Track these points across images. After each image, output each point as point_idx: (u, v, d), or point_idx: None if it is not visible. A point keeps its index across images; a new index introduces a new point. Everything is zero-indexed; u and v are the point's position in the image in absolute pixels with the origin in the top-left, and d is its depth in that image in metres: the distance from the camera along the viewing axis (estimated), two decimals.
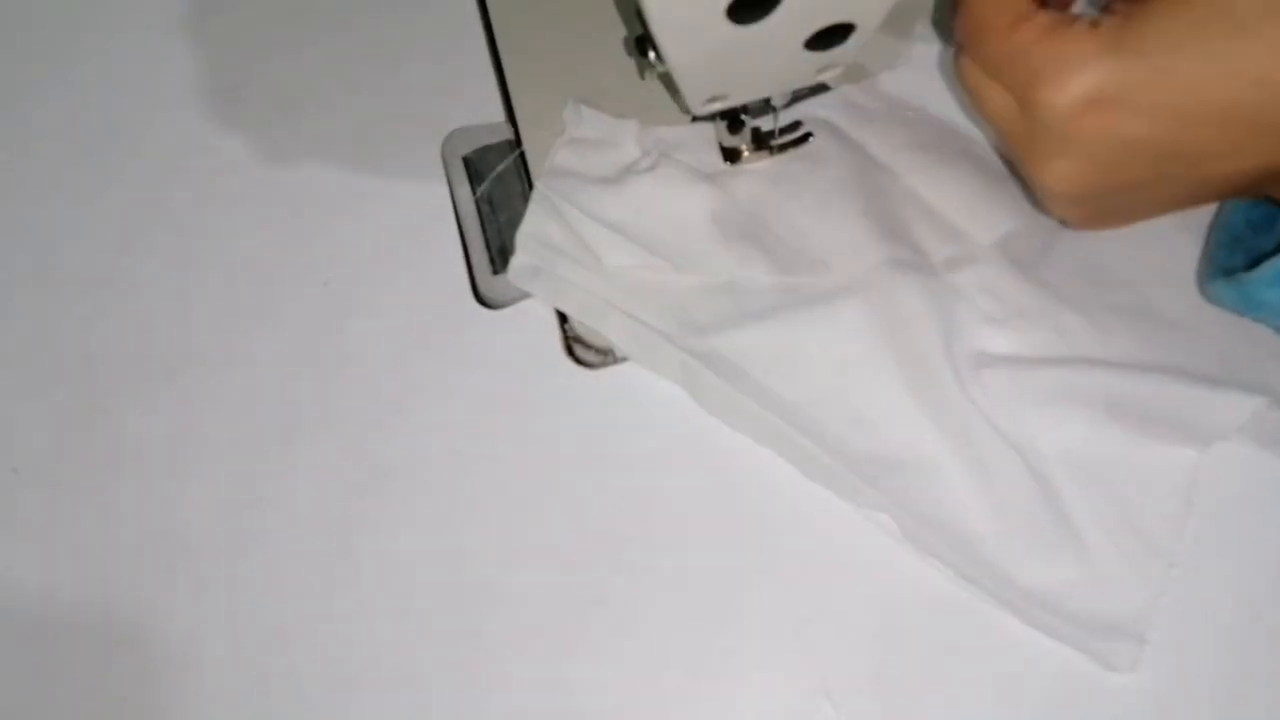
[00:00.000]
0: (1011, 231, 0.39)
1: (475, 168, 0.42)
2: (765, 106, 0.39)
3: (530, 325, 0.39)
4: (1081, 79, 0.30)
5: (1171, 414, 0.36)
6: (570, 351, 0.39)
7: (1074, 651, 0.34)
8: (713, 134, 0.41)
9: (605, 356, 0.39)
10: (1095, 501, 0.35)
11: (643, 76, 0.36)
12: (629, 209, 0.39)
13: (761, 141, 0.40)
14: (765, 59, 0.34)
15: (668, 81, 0.37)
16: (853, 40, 0.34)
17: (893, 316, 0.37)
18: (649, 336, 0.38)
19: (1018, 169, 0.38)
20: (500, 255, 0.40)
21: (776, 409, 0.36)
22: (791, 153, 0.40)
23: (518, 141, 0.42)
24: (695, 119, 0.41)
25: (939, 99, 0.42)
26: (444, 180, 0.42)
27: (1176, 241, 0.39)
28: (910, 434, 0.36)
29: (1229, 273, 0.35)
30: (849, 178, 0.40)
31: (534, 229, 0.39)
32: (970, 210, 0.40)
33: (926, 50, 0.43)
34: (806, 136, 0.41)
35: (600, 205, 0.39)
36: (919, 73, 0.43)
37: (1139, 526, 0.35)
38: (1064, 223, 0.38)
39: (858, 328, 0.37)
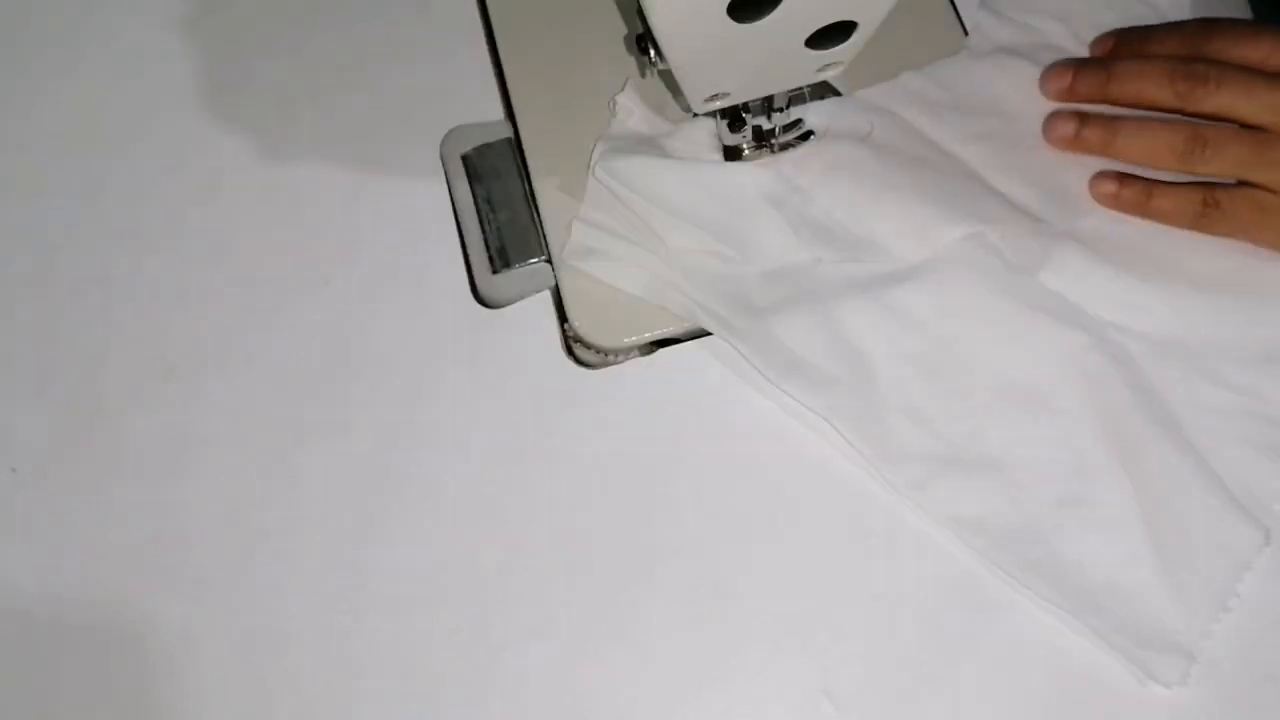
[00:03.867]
0: (1088, 219, 0.39)
1: (475, 167, 0.42)
2: (766, 105, 0.39)
3: (530, 325, 0.39)
4: None
5: (1254, 448, 0.35)
6: (570, 352, 0.39)
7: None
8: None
9: (605, 356, 0.39)
10: (1159, 517, 0.34)
11: (644, 75, 0.36)
12: (689, 193, 0.39)
13: (763, 139, 0.40)
14: (766, 57, 0.34)
15: (668, 79, 0.36)
16: (854, 38, 0.34)
17: (959, 305, 0.37)
18: (708, 319, 0.37)
19: None
20: (500, 255, 0.40)
21: (831, 394, 0.36)
22: (851, 139, 0.40)
23: (518, 141, 0.42)
24: (696, 117, 0.41)
25: (997, 85, 0.41)
26: (443, 180, 0.42)
27: None
28: (970, 430, 0.36)
29: None
30: (910, 163, 0.39)
31: (591, 213, 0.39)
32: (1042, 195, 0.39)
33: (982, 38, 0.43)
34: (808, 135, 0.41)
35: (661, 189, 0.39)
36: (979, 60, 0.42)
37: (1217, 542, 0.34)
38: None
39: (923, 319, 0.37)
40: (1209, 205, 0.36)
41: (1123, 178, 0.38)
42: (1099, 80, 0.38)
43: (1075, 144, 0.38)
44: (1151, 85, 0.37)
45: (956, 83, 0.42)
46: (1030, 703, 0.34)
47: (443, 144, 0.42)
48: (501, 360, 0.38)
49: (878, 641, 0.34)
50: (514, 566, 0.36)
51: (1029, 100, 0.41)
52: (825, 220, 0.39)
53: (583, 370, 0.38)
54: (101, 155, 0.43)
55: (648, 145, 0.40)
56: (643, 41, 0.34)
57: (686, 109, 0.40)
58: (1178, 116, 0.37)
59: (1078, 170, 0.39)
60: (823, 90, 0.42)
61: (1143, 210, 0.37)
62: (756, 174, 0.39)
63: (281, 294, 0.40)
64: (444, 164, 0.42)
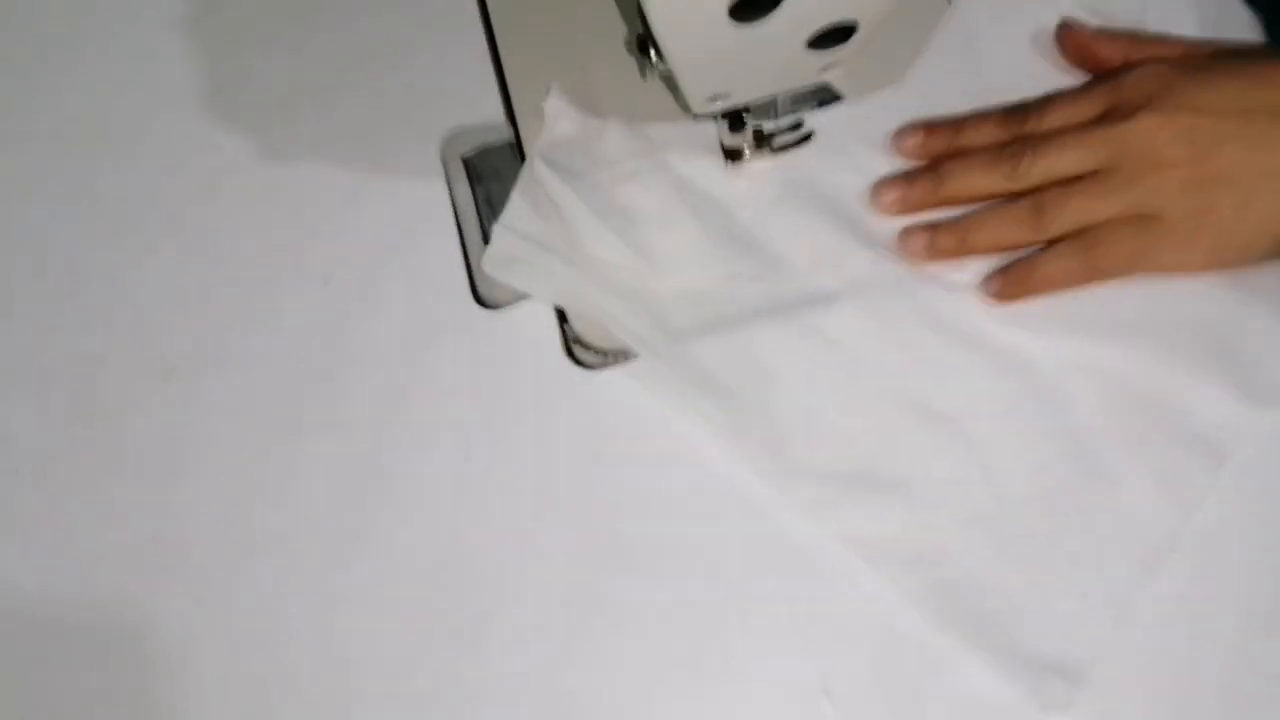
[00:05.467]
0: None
1: (475, 168, 0.42)
2: (767, 106, 0.39)
3: (530, 325, 0.39)
4: None
5: (1162, 470, 0.35)
6: (570, 352, 0.39)
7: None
8: (703, 133, 0.41)
9: (605, 357, 0.39)
10: (1067, 537, 0.34)
11: (644, 76, 0.36)
12: (612, 205, 0.39)
13: (763, 141, 0.40)
14: (767, 58, 0.34)
15: (669, 81, 0.36)
16: (855, 40, 0.34)
17: (870, 327, 0.37)
18: (624, 334, 0.38)
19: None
20: None
21: (742, 414, 0.36)
22: (780, 157, 0.40)
23: (518, 141, 0.42)
24: (697, 118, 0.41)
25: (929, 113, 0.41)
26: (443, 180, 0.42)
27: None
28: (877, 450, 0.36)
29: None
30: (837, 186, 0.40)
31: (513, 220, 0.39)
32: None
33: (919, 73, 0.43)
34: (808, 136, 0.41)
35: (586, 198, 0.39)
36: (912, 92, 0.41)
37: (1105, 573, 0.34)
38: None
39: (835, 339, 0.37)
40: (1091, 247, 0.36)
41: (1001, 270, 0.37)
42: (931, 188, 0.39)
43: (932, 253, 0.38)
44: (980, 176, 0.38)
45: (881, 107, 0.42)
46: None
47: (443, 145, 0.42)
48: (501, 361, 0.38)
49: (879, 641, 0.34)
50: (513, 566, 0.36)
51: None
52: (747, 238, 0.39)
53: (582, 371, 0.38)
54: (101, 155, 0.43)
55: (581, 150, 0.40)
56: (643, 43, 0.34)
57: (686, 109, 0.40)
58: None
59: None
60: (823, 91, 0.42)
61: (1031, 285, 0.37)
62: (683, 189, 0.39)
63: (281, 294, 0.40)
64: (444, 165, 0.42)
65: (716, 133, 0.40)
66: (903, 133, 0.40)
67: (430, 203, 0.41)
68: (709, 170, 0.40)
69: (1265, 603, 0.34)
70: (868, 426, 0.36)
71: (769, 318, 0.38)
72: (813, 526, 0.35)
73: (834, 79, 0.37)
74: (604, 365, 0.38)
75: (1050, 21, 0.42)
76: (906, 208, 0.39)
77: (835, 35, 0.33)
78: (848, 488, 0.35)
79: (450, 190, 0.41)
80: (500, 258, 0.39)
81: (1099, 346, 0.37)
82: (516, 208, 0.39)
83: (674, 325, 0.38)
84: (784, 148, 0.40)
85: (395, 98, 0.43)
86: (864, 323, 0.37)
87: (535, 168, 0.39)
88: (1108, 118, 0.37)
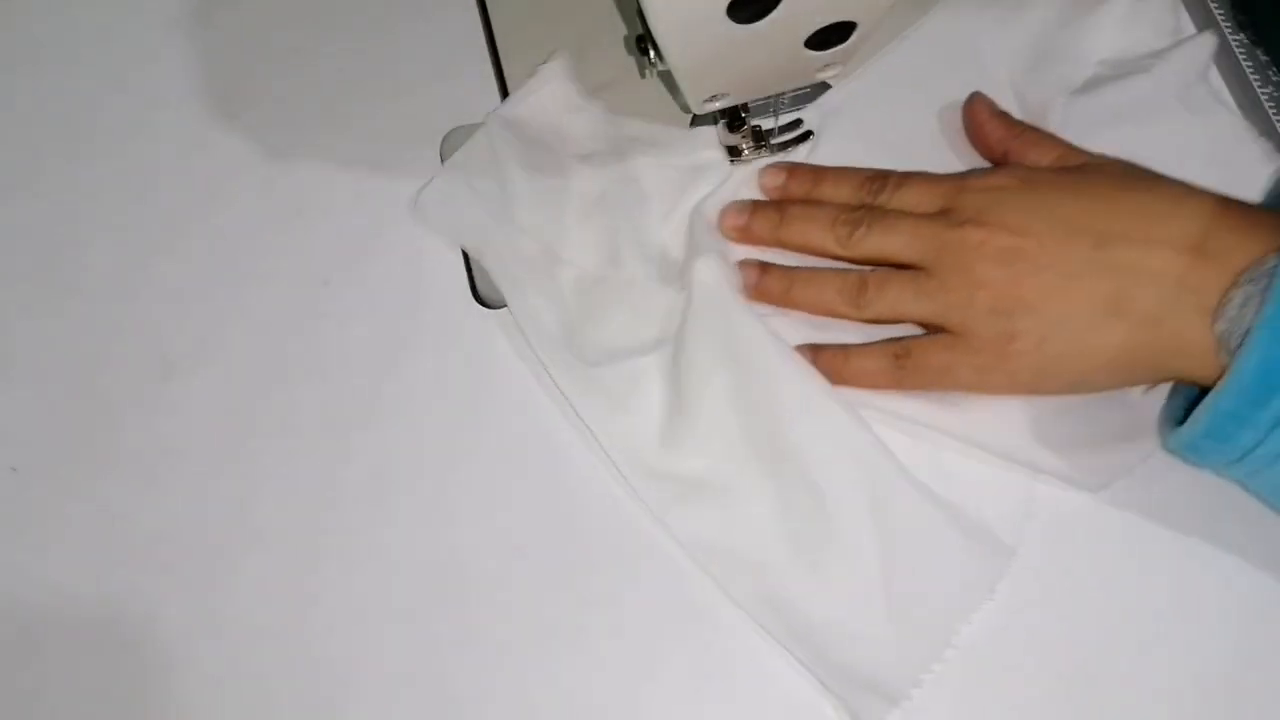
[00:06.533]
0: None
1: None
2: (766, 105, 0.39)
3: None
4: None
5: (985, 515, 0.35)
6: None
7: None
8: (687, 141, 0.41)
9: None
10: (898, 557, 0.34)
11: (643, 75, 0.36)
12: (554, 178, 0.39)
13: (761, 139, 0.40)
14: (765, 58, 0.34)
15: (668, 80, 0.37)
16: (853, 38, 0.34)
17: (716, 342, 0.36)
18: (518, 310, 0.38)
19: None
20: None
21: (592, 398, 0.37)
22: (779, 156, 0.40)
23: None
24: (695, 118, 0.41)
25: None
26: None
27: None
28: (718, 460, 0.36)
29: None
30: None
31: (463, 162, 0.40)
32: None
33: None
34: (807, 135, 0.41)
35: (532, 163, 0.39)
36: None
37: (930, 600, 0.34)
38: None
39: (690, 351, 0.36)
40: (900, 356, 0.35)
41: (816, 347, 0.37)
42: (772, 224, 0.38)
43: (757, 293, 0.38)
44: (816, 231, 0.37)
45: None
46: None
47: (443, 144, 0.42)
48: (501, 360, 0.38)
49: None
50: (516, 567, 0.36)
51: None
52: (664, 242, 0.39)
53: None
54: (101, 155, 0.43)
55: (549, 120, 0.41)
56: (642, 42, 0.34)
57: (686, 109, 0.40)
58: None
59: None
60: (822, 91, 0.42)
61: (841, 376, 0.36)
62: (630, 185, 0.40)
63: (281, 294, 0.40)
64: (443, 164, 0.42)
65: (692, 144, 0.40)
66: (769, 169, 0.40)
67: None
68: (662, 175, 0.40)
69: (1079, 651, 0.34)
70: (717, 436, 0.36)
71: (647, 322, 0.38)
72: (660, 524, 0.35)
73: (832, 78, 0.37)
74: None
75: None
76: (745, 238, 0.39)
77: (834, 35, 0.33)
78: (694, 490, 0.35)
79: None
80: (436, 196, 0.40)
81: (936, 408, 0.36)
82: (468, 152, 0.40)
83: (570, 311, 0.38)
84: (783, 146, 0.40)
85: (395, 97, 0.43)
86: (711, 339, 0.36)
87: (492, 122, 0.40)
88: (943, 216, 0.35)
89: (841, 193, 0.38)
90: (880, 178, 0.37)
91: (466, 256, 0.40)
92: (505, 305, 0.39)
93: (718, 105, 0.37)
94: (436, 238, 0.40)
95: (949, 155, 0.40)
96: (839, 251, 0.37)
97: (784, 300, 0.38)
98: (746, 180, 0.40)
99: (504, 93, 0.43)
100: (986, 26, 0.42)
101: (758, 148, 0.40)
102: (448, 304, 0.40)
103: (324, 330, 0.39)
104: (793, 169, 0.39)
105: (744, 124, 0.40)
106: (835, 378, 0.36)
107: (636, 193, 0.40)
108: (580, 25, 0.43)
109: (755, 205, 0.39)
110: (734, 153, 0.40)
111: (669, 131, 0.41)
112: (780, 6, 0.30)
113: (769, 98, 0.39)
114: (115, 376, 0.39)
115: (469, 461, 0.37)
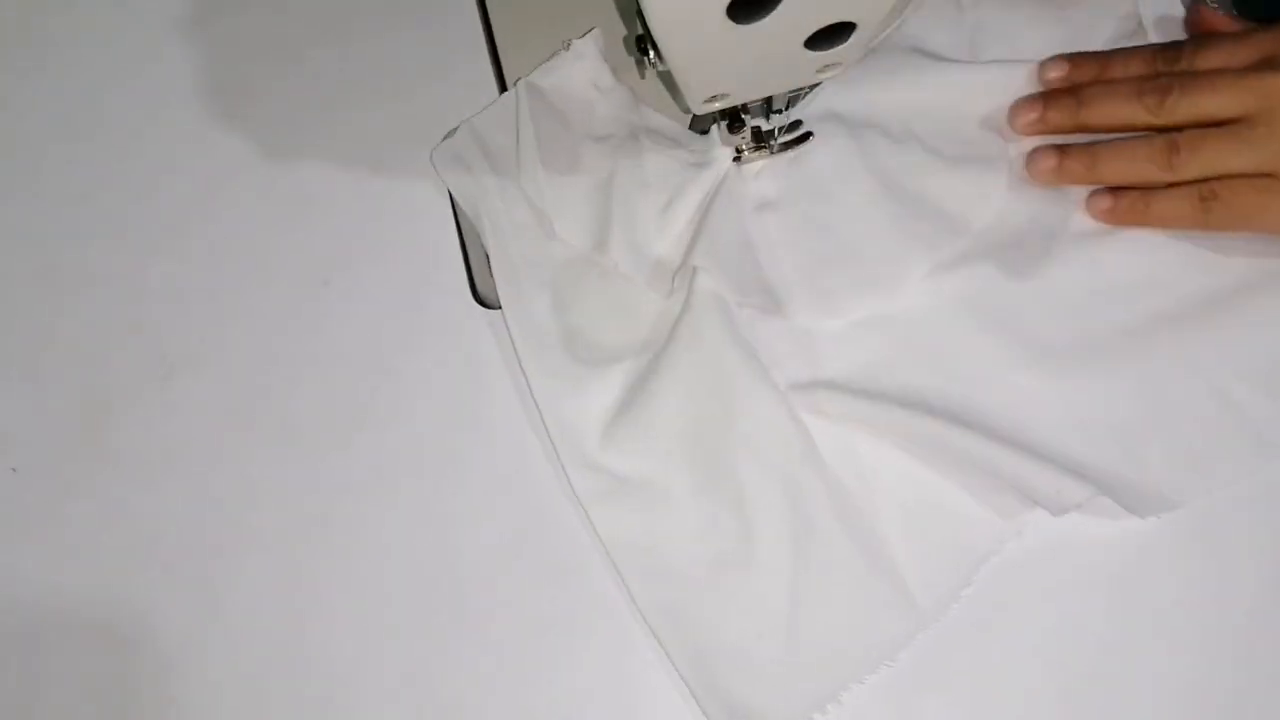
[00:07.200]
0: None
1: None
2: (765, 105, 0.39)
3: None
4: None
5: (921, 562, 0.34)
6: None
7: None
8: (698, 137, 0.41)
9: None
10: (810, 600, 0.34)
11: (643, 76, 0.36)
12: (566, 155, 0.39)
13: (762, 140, 0.40)
14: (765, 58, 0.34)
15: (668, 80, 0.36)
16: (853, 39, 0.34)
17: (709, 345, 0.36)
18: (512, 280, 0.38)
19: None
20: None
21: (556, 390, 0.37)
22: (778, 156, 0.40)
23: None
24: (695, 118, 0.41)
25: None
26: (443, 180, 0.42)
27: None
28: (651, 465, 0.35)
29: None
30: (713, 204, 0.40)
31: (482, 125, 0.40)
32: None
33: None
34: (807, 135, 0.41)
35: (548, 136, 0.39)
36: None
37: (831, 649, 0.33)
38: None
39: (668, 344, 0.36)
40: (1206, 198, 0.36)
41: (1116, 191, 0.38)
42: (1070, 109, 0.38)
43: (1059, 176, 0.38)
44: (1122, 105, 0.37)
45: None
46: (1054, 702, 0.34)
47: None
48: (501, 359, 0.38)
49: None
50: (515, 566, 0.36)
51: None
52: (649, 239, 0.39)
53: None
54: (102, 155, 0.43)
55: (575, 98, 0.41)
56: (642, 42, 0.34)
57: (686, 109, 0.40)
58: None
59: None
60: (820, 91, 0.42)
61: (1143, 218, 0.37)
62: (631, 169, 0.40)
63: (281, 294, 0.40)
64: None
65: (707, 145, 0.40)
66: (1046, 64, 0.39)
67: (430, 203, 0.41)
68: (666, 168, 0.40)
69: (1079, 651, 0.34)
70: (645, 440, 0.36)
71: (638, 324, 0.38)
72: (584, 515, 0.35)
73: (832, 79, 0.37)
74: None
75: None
76: (1044, 128, 0.39)
77: (834, 35, 0.33)
78: (626, 490, 0.35)
79: (450, 191, 0.41)
80: (451, 153, 0.40)
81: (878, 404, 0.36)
82: (490, 117, 0.41)
83: (558, 284, 0.38)
84: (784, 147, 0.40)
85: (396, 98, 0.43)
86: (697, 355, 0.36)
87: (521, 87, 0.40)
88: (1264, 65, 0.35)
89: (1133, 68, 0.38)
90: (1172, 48, 0.38)
91: (466, 256, 0.40)
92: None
93: (718, 105, 0.37)
94: (436, 238, 0.40)
95: (953, 148, 0.40)
96: (1151, 120, 0.37)
97: (1090, 177, 0.38)
98: (746, 181, 0.40)
99: (504, 93, 0.43)
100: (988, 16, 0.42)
101: (758, 148, 0.40)
102: (447, 304, 0.40)
103: (324, 330, 0.39)
104: (1075, 57, 0.39)
105: (744, 125, 0.39)
106: (1139, 219, 0.37)
107: (639, 179, 0.40)
108: (580, 25, 0.43)
109: (1046, 95, 0.39)
110: (734, 153, 0.40)
111: (690, 133, 0.41)
112: (780, 6, 0.30)
113: (768, 98, 0.39)
114: (115, 376, 0.39)
115: (468, 460, 0.37)
